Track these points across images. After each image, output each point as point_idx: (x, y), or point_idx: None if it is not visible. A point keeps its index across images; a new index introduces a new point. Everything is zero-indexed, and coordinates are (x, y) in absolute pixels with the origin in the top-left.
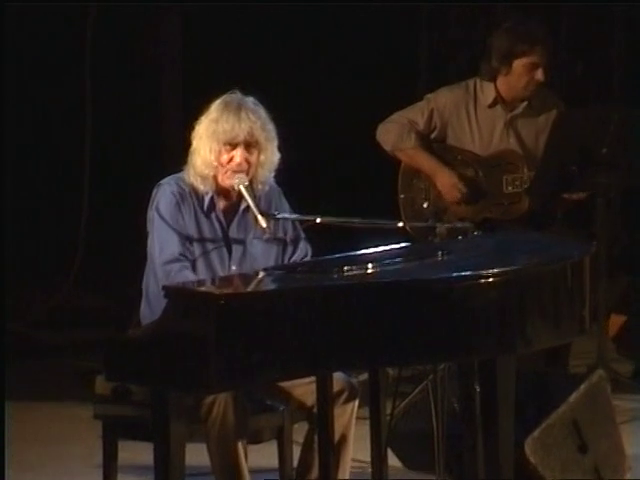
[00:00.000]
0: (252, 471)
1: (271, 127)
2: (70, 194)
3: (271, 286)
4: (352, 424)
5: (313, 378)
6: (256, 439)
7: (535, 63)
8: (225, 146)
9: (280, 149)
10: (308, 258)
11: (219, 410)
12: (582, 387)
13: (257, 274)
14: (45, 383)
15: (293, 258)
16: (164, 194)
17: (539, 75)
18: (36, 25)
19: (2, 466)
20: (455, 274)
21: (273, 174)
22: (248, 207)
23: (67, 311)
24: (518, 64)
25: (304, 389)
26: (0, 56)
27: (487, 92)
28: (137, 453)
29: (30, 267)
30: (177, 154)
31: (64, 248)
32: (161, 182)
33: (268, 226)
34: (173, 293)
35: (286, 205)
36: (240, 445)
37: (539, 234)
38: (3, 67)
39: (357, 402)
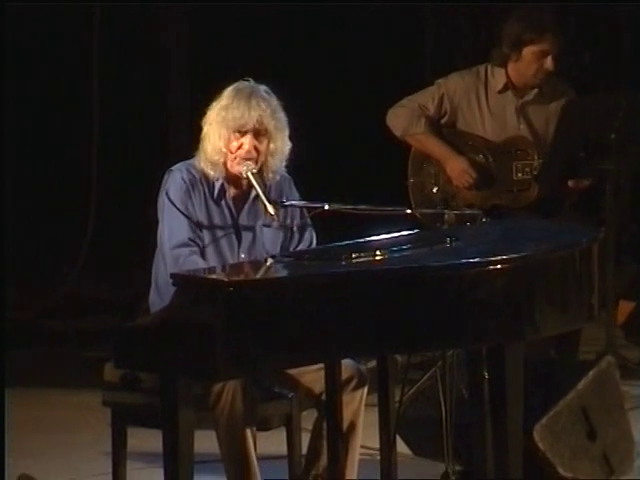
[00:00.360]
0: (261, 458)
1: (281, 116)
2: (77, 186)
3: (279, 273)
4: (361, 411)
5: (321, 365)
6: (265, 426)
7: (544, 51)
8: (234, 133)
9: (290, 138)
10: (313, 244)
11: (227, 398)
12: (591, 373)
13: (265, 261)
14: (53, 371)
15: (299, 247)
16: (174, 180)
17: (548, 63)
18: (42, 15)
19: (2, 453)
20: (463, 261)
21: (284, 163)
22: (257, 194)
23: (74, 300)
24: (527, 51)
25: (312, 376)
26: (2, 55)
27: (498, 77)
28: (146, 440)
29: (38, 257)
30: (183, 146)
31: (71, 238)
32: (172, 168)
33: (277, 214)
34: (181, 281)
35: (296, 194)
36: (248, 432)
37: (547, 221)
38: (4, 65)
39: (366, 389)
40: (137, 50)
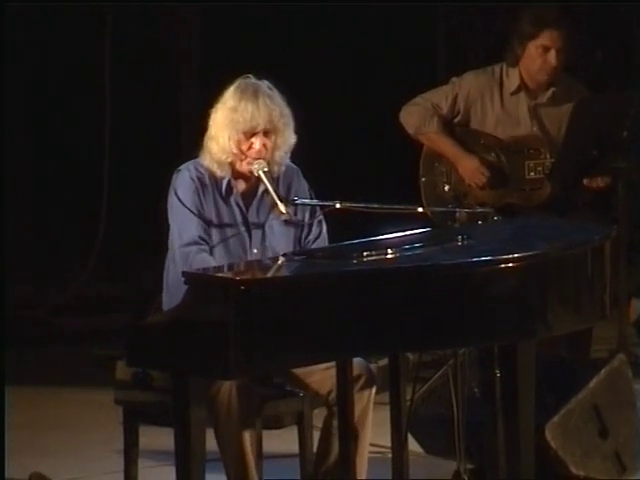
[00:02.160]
0: (273, 456)
1: (288, 111)
2: (89, 185)
3: (291, 272)
4: (369, 410)
5: (328, 365)
6: (276, 424)
7: (545, 46)
8: (245, 134)
9: (297, 133)
10: (323, 236)
11: (223, 398)
12: (603, 372)
13: (277, 260)
14: (65, 369)
15: (308, 238)
16: (183, 179)
17: (551, 58)
18: (54, 16)
19: (2, 452)
20: (475, 259)
21: (289, 155)
22: (267, 191)
23: (86, 298)
24: (531, 47)
25: (319, 376)
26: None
27: (512, 78)
28: (157, 438)
29: (50, 256)
30: (195, 146)
31: (83, 237)
32: (180, 168)
33: (287, 211)
34: (193, 279)
35: (304, 184)
36: (246, 434)
37: (560, 220)
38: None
39: (374, 388)
40: (149, 50)
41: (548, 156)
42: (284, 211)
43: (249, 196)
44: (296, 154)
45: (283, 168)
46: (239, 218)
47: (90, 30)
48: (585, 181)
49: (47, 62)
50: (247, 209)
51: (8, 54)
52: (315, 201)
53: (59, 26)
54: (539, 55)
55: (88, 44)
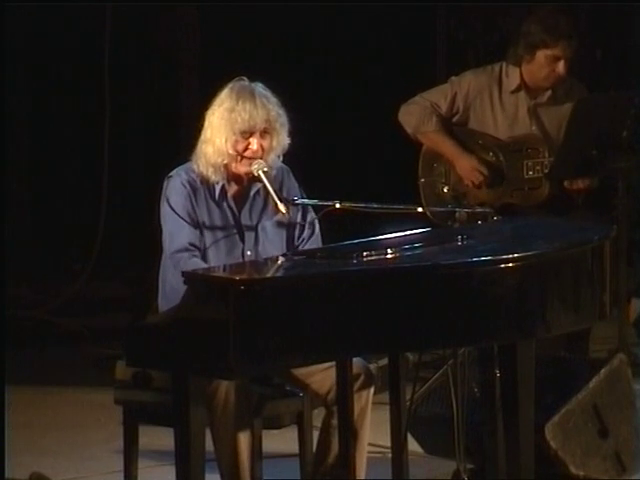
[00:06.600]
0: (273, 456)
1: (283, 113)
2: (89, 183)
3: (291, 272)
4: (368, 409)
5: (328, 365)
6: (276, 424)
7: (557, 56)
8: (243, 134)
9: (292, 134)
10: (316, 236)
11: (220, 398)
12: (602, 371)
13: (276, 259)
14: (65, 369)
15: (302, 236)
16: (175, 186)
17: (560, 68)
18: (54, 15)
19: (2, 451)
20: (475, 259)
21: (281, 158)
22: (259, 191)
23: (86, 298)
24: (540, 54)
25: (319, 377)
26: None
27: (512, 77)
28: (157, 438)
29: (50, 256)
30: (194, 145)
31: (83, 236)
32: (170, 174)
33: (288, 212)
34: (193, 279)
35: (295, 184)
36: (242, 435)
37: (560, 220)
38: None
39: (372, 388)
40: (149, 50)
41: (547, 155)
42: (284, 211)
43: (241, 199)
44: (296, 154)
45: (274, 171)
46: (231, 221)
47: (90, 30)
48: (565, 183)
49: (47, 61)
50: (239, 212)
51: (8, 54)
52: (315, 201)
53: (59, 25)
54: (548, 64)
55: (88, 43)
